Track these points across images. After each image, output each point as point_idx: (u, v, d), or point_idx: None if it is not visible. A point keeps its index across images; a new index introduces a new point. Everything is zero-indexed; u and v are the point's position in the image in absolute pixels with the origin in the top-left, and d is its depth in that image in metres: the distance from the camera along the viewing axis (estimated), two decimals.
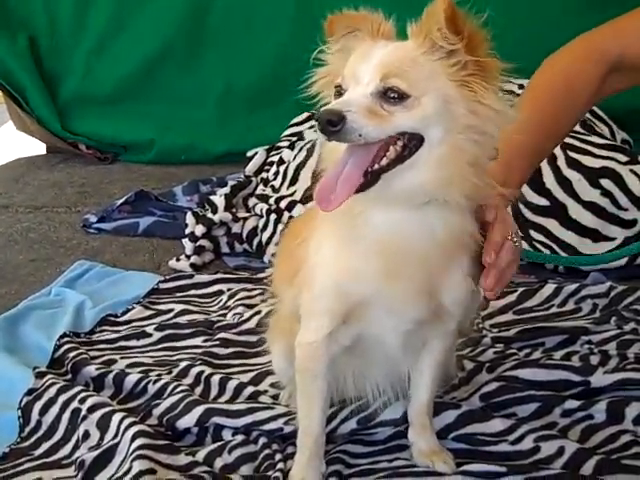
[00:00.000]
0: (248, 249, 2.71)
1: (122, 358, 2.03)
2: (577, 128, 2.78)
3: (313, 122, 1.29)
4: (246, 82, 3.75)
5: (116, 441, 1.63)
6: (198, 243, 2.65)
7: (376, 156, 1.30)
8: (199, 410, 1.70)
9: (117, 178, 3.60)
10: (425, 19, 1.29)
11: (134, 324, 2.21)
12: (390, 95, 1.28)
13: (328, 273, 1.43)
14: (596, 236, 2.47)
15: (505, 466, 1.53)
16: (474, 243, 1.41)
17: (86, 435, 1.68)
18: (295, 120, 3.50)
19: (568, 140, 2.66)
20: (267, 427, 1.67)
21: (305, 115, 3.50)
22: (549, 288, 2.24)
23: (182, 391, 1.78)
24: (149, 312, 2.27)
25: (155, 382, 1.85)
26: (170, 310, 2.28)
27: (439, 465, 1.56)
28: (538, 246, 2.45)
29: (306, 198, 2.68)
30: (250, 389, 1.84)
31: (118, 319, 2.23)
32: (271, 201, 2.73)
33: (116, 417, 1.68)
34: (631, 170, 2.54)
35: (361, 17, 1.39)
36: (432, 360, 1.56)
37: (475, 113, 1.30)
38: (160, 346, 2.10)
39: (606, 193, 2.49)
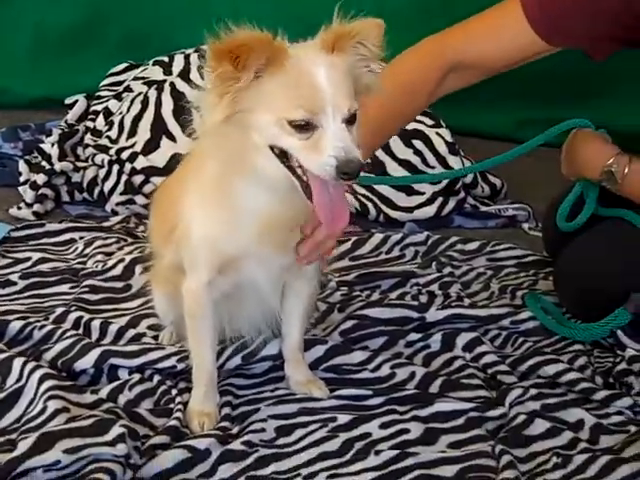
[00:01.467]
0: (88, 198, 2.79)
1: None
2: None
3: (327, 167, 1.38)
4: (59, 24, 3.70)
5: (20, 384, 1.73)
6: (40, 191, 2.69)
7: None
8: (96, 352, 1.83)
9: None
10: (354, 34, 1.45)
11: None
12: (352, 119, 1.44)
13: (203, 232, 1.62)
14: (409, 190, 2.83)
15: (370, 389, 1.83)
16: None
17: None
18: (114, 70, 3.57)
19: None
20: (160, 365, 1.84)
21: (124, 65, 3.59)
22: (377, 237, 2.57)
23: (73, 335, 1.90)
24: (7, 260, 2.33)
25: (41, 328, 1.95)
26: (28, 258, 2.34)
27: (315, 392, 1.82)
28: (362, 199, 2.76)
29: (147, 150, 2.81)
30: (131, 332, 2.00)
31: None
32: (111, 152, 2.81)
33: (17, 362, 1.77)
34: (437, 133, 2.92)
35: (258, 41, 1.41)
36: (299, 304, 1.81)
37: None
38: (27, 294, 2.18)
39: (417, 152, 2.86)
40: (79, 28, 3.72)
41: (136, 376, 1.82)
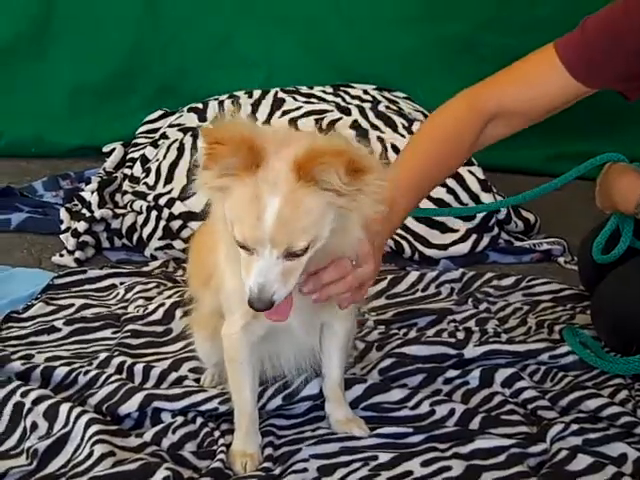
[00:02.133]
0: (128, 244, 2.85)
1: (38, 353, 2.13)
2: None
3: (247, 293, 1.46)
4: (95, 77, 3.81)
5: (67, 429, 1.77)
6: (81, 239, 2.76)
7: None
8: (139, 396, 1.87)
9: None
10: (315, 166, 1.38)
11: (39, 320, 2.31)
12: (294, 253, 1.44)
13: (233, 284, 1.64)
14: (443, 228, 2.85)
15: (410, 427, 1.84)
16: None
17: (34, 426, 1.80)
18: (149, 117, 3.66)
19: None
20: (203, 408, 1.87)
21: (159, 113, 3.67)
22: (413, 275, 2.59)
23: (116, 380, 1.94)
24: (51, 307, 2.37)
25: (85, 373, 1.99)
26: (71, 305, 2.39)
27: (356, 431, 1.83)
28: (397, 238, 2.79)
29: (183, 195, 2.87)
30: (174, 375, 2.03)
31: (21, 315, 2.32)
32: (149, 198, 2.88)
33: (64, 407, 1.81)
34: (469, 170, 2.95)
35: (236, 142, 1.38)
36: (337, 342, 1.82)
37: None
38: (72, 339, 2.22)
39: (450, 190, 2.88)
40: (114, 78, 3.82)
41: (179, 419, 1.85)
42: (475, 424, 1.87)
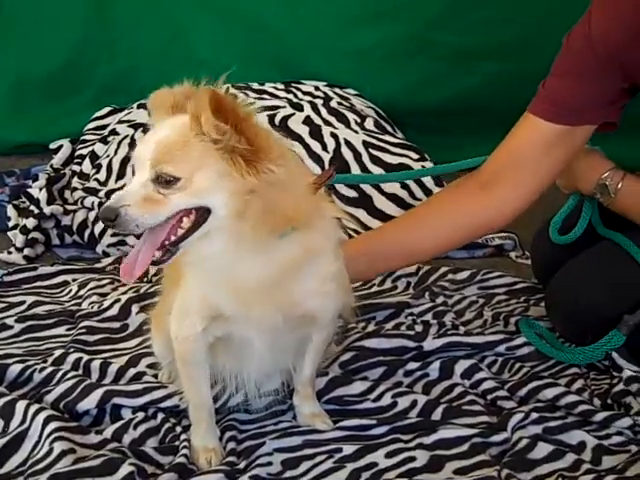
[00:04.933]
0: (79, 241, 2.79)
1: None
2: (372, 127, 3.18)
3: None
4: (41, 71, 3.73)
5: (24, 427, 1.73)
6: (30, 235, 2.70)
7: (171, 230, 1.46)
8: (98, 393, 1.84)
9: None
10: (194, 106, 1.42)
11: None
12: (162, 180, 1.42)
13: (195, 282, 1.63)
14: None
15: (374, 419, 1.85)
16: (326, 249, 1.62)
17: None
18: (98, 114, 3.61)
19: (367, 139, 3.06)
20: (164, 404, 1.85)
21: (107, 109, 3.62)
22: None
23: (73, 377, 1.90)
24: (1, 305, 2.32)
25: (41, 371, 1.94)
26: (22, 302, 2.34)
27: (320, 425, 1.83)
28: (352, 234, 2.78)
29: None
30: (132, 371, 2.00)
31: None
32: (101, 194, 2.83)
33: (20, 405, 1.78)
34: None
35: (167, 94, 1.54)
36: (313, 346, 1.79)
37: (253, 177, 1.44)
38: (24, 337, 2.18)
39: (404, 186, 2.90)
40: (61, 73, 3.74)
41: (140, 415, 1.82)
42: (437, 415, 1.88)
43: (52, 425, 1.70)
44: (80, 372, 1.98)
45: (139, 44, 3.71)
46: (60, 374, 1.93)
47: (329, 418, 1.86)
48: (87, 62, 3.75)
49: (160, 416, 1.83)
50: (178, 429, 1.79)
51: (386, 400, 1.92)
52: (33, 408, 1.76)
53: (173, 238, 1.47)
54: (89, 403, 1.83)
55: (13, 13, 3.67)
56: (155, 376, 2.00)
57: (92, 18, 3.71)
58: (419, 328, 2.26)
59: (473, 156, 3.47)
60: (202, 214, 1.45)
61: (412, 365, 2.07)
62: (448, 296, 2.47)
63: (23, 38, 3.70)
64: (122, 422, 1.80)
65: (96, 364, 2.01)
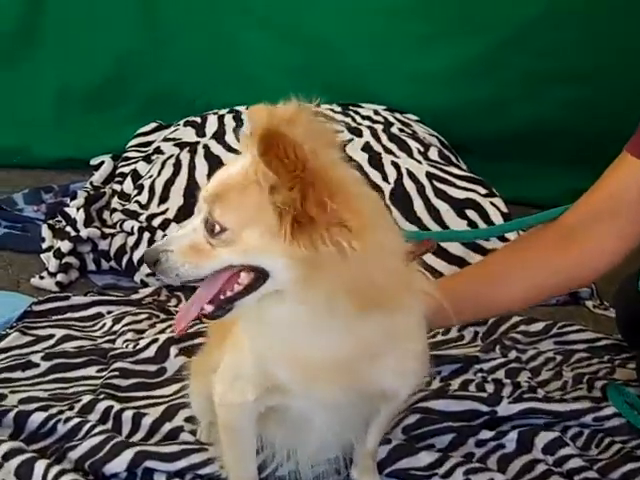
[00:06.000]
0: (116, 267, 2.58)
1: (11, 392, 1.87)
2: (436, 158, 2.94)
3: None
4: (84, 83, 3.53)
5: None
6: (64, 260, 2.49)
7: (227, 283, 1.23)
8: (129, 453, 1.61)
9: None
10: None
11: (14, 352, 2.05)
12: (209, 227, 1.20)
13: (251, 350, 1.37)
14: (462, 264, 2.60)
15: None
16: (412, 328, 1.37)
17: None
18: (142, 130, 3.41)
19: (432, 170, 2.82)
20: (203, 471, 1.62)
21: (153, 125, 3.43)
22: None
23: (103, 432, 1.68)
24: (28, 338, 2.11)
25: (66, 421, 1.72)
26: (51, 336, 2.13)
27: None
28: None
29: (180, 217, 2.61)
30: (167, 426, 1.77)
31: None
32: (142, 218, 2.62)
33: (39, 465, 1.56)
34: (490, 202, 2.72)
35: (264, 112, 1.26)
36: (379, 421, 1.55)
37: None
38: (50, 377, 1.96)
39: (471, 223, 2.65)
40: (105, 86, 3.54)
41: None
42: None
43: None
44: (110, 424, 1.76)
45: (187, 57, 3.49)
46: (87, 427, 1.71)
47: None
48: (132, 74, 3.54)
49: None
50: None
51: (457, 477, 1.67)
52: (53, 471, 1.54)
53: (229, 294, 1.24)
54: (119, 465, 1.60)
55: (57, 22, 3.47)
56: (193, 432, 1.77)
57: (139, 28, 3.50)
58: (490, 388, 2.00)
59: (542, 189, 3.33)
60: (260, 274, 1.21)
61: (485, 434, 1.82)
62: (521, 350, 2.21)
63: (67, 47, 3.50)
64: None
65: (128, 415, 1.78)
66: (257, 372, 1.36)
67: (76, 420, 1.73)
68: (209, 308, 1.24)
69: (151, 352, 2.04)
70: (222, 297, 1.24)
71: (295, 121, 1.22)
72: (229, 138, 2.89)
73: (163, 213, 2.65)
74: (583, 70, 3.12)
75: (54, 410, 1.78)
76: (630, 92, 2.98)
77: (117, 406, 1.81)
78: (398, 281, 1.27)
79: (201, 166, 2.77)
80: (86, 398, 1.83)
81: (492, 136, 3.22)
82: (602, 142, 3.13)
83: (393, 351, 1.35)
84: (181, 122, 3.22)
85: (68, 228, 2.65)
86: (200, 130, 3.06)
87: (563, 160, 3.22)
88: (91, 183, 3.12)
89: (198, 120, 3.14)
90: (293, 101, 1.26)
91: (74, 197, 2.95)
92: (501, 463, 1.75)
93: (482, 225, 2.65)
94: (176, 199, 2.69)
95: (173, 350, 2.04)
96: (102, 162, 3.29)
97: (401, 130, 3.06)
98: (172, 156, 2.90)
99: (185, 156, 2.84)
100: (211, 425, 1.67)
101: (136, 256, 2.53)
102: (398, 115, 3.25)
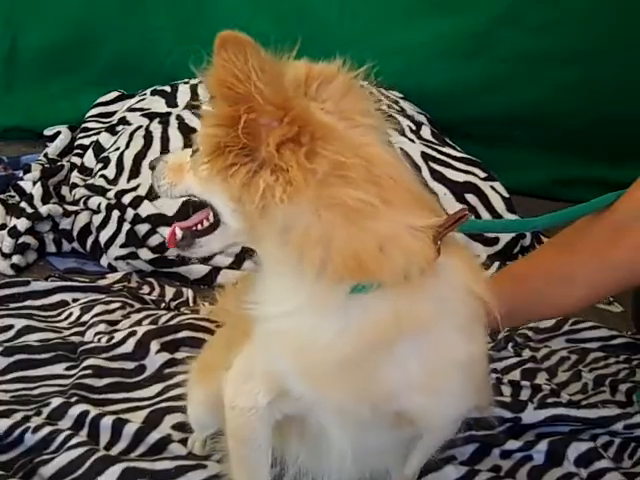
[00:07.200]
0: (79, 249, 2.31)
1: None
2: (429, 137, 2.74)
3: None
4: (37, 44, 3.23)
5: None
6: (21, 240, 2.21)
7: (202, 220, 1.18)
8: (116, 470, 1.37)
9: None
10: None
11: None
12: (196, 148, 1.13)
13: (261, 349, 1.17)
14: None
15: None
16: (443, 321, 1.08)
17: None
18: (102, 99, 3.13)
19: (427, 150, 2.61)
20: None
21: (114, 94, 3.13)
22: None
23: (81, 443, 1.43)
24: None
25: (35, 430, 1.46)
26: (9, 327, 1.86)
27: None
28: None
29: (154, 194, 2.34)
30: (155, 435, 1.53)
31: None
32: (109, 195, 2.34)
33: None
34: (491, 187, 2.53)
35: None
36: (419, 450, 1.33)
37: None
38: (11, 376, 1.70)
39: (471, 209, 2.45)
40: (61, 49, 3.24)
41: None
42: None
43: None
44: (85, 432, 1.51)
45: (155, 17, 3.21)
46: (62, 437, 1.46)
47: None
48: (92, 37, 3.24)
49: None
50: None
51: None
52: None
53: (199, 227, 1.17)
54: None
55: None
56: (184, 441, 1.53)
57: None
58: (507, 390, 1.82)
59: (538, 172, 3.14)
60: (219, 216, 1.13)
61: (511, 444, 1.63)
62: (534, 348, 2.03)
63: (19, 5, 3.20)
64: None
65: (107, 422, 1.53)
66: (268, 374, 1.15)
67: (47, 429, 1.47)
68: (179, 234, 1.20)
69: (128, 347, 1.79)
70: (194, 229, 1.18)
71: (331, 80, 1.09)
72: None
73: (134, 189, 2.37)
74: (582, 48, 2.94)
75: (18, 416, 1.52)
76: (632, 73, 2.83)
77: (93, 411, 1.55)
78: (418, 251, 1.01)
79: (175, 138, 2.51)
80: (55, 401, 1.58)
81: (482, 119, 3.03)
82: (600, 127, 3.00)
83: (415, 355, 1.08)
84: (147, 91, 2.95)
85: (23, 204, 2.36)
86: (171, 100, 2.80)
87: (561, 145, 3.05)
88: (45, 155, 2.86)
89: (167, 89, 2.88)
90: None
91: (28, 170, 2.67)
92: (531, 478, 1.57)
93: (483, 211, 2.46)
94: (148, 174, 2.41)
95: (154, 345, 1.80)
96: (57, 133, 3.02)
97: (389, 107, 2.84)
98: (141, 127, 2.63)
99: (156, 127, 2.58)
100: (215, 435, 1.43)
101: (103, 237, 2.26)
102: (383, 91, 3.02)
